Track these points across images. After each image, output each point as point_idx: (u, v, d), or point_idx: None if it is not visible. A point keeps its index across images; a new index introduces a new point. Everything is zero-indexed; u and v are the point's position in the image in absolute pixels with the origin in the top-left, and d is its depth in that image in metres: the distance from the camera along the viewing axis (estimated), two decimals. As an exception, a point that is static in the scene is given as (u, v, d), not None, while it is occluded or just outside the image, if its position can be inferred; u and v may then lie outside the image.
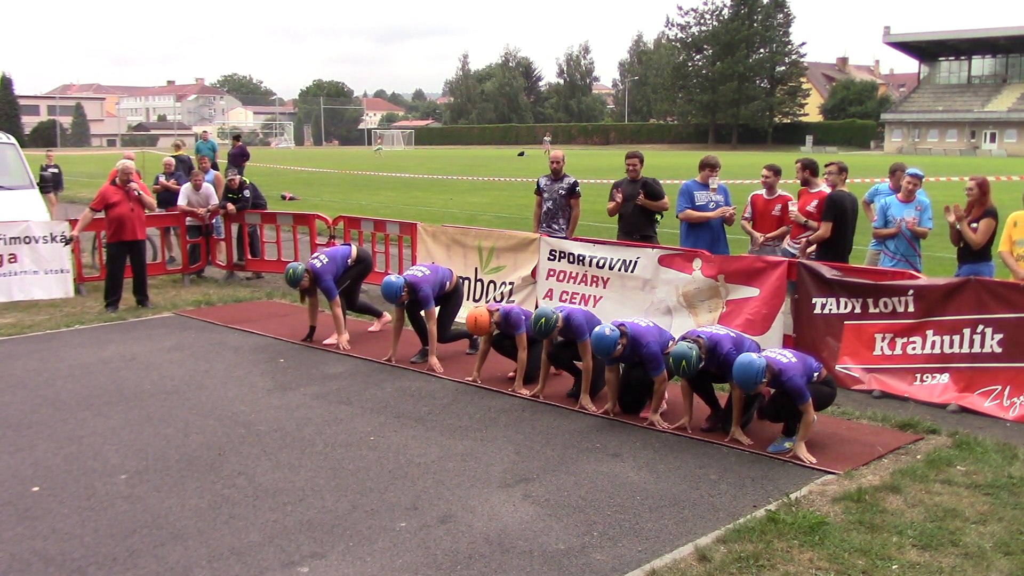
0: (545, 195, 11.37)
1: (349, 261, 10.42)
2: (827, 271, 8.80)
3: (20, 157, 14.93)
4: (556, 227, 11.22)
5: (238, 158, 25.38)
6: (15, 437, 7.17)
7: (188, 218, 14.37)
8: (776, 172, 10.37)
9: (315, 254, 10.48)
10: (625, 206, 10.63)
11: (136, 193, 12.04)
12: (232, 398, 8.20)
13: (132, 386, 8.60)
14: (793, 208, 10.10)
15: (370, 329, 10.91)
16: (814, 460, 6.53)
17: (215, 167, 19.38)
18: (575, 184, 11.28)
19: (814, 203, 9.88)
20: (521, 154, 72.20)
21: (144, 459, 6.68)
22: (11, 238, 12.67)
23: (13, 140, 15.34)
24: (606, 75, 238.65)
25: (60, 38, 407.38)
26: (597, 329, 7.46)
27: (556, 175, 11.28)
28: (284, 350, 10.00)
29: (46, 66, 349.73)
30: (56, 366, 9.33)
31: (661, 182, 10.79)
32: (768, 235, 10.26)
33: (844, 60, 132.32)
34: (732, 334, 7.27)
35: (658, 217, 10.80)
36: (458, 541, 5.33)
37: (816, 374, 6.85)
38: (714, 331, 7.25)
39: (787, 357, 6.75)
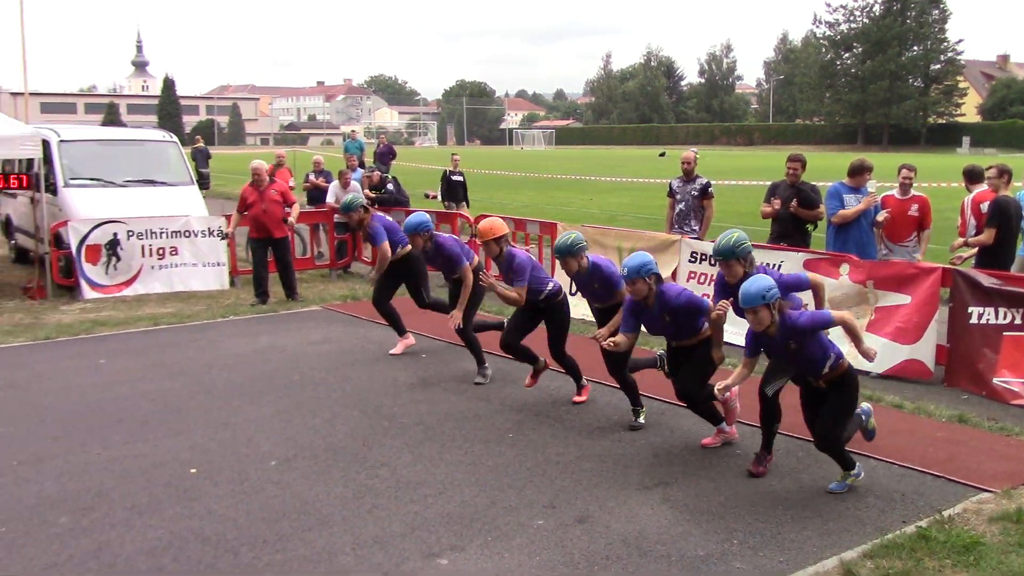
0: (677, 197, 11.27)
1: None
2: (985, 279, 8.40)
3: (181, 155, 15.68)
4: (688, 229, 11.10)
5: (385, 156, 26.09)
6: (175, 421, 7.56)
7: (336, 215, 14.83)
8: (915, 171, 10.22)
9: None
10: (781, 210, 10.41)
11: (272, 193, 12.41)
12: (376, 391, 8.42)
13: (282, 376, 8.95)
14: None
15: (391, 352, 9.93)
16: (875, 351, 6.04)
17: (362, 166, 19.98)
18: (708, 185, 11.14)
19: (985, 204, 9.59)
20: (662, 154, 71.43)
21: (293, 447, 6.94)
22: (172, 232, 13.37)
23: (175, 138, 16.13)
24: (750, 74, 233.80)
25: (222, 41, 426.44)
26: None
27: (688, 176, 11.17)
28: (426, 346, 10.20)
29: (208, 68, 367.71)
30: (212, 355, 9.78)
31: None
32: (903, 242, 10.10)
33: (1005, 58, 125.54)
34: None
35: (810, 227, 10.49)
36: (595, 542, 5.33)
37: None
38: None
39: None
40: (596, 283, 7.48)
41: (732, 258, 6.42)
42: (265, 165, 12.86)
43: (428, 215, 9.13)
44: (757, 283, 5.73)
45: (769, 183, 11.01)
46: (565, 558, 5.14)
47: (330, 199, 15.14)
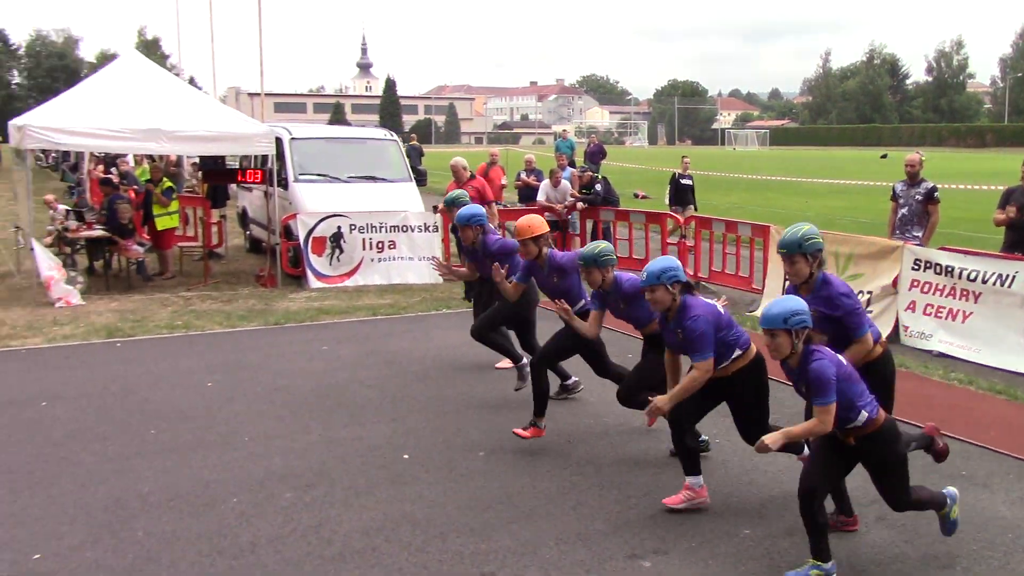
0: (901, 200, 10.78)
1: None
2: None
3: (401, 153, 16.33)
4: (911, 235, 10.59)
5: (595, 155, 26.27)
6: (391, 408, 7.89)
7: (546, 213, 15.02)
8: None
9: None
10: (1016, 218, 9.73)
11: (468, 189, 12.69)
12: (582, 388, 8.45)
13: (490, 369, 9.17)
14: None
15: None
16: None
17: (572, 165, 20.18)
18: (933, 189, 10.58)
19: None
20: (884, 156, 68.04)
21: (500, 439, 7.10)
22: (391, 226, 13.97)
23: (396, 137, 16.80)
24: (983, 71, 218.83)
25: (441, 42, 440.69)
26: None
27: (912, 179, 10.67)
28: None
29: (426, 69, 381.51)
30: (426, 345, 10.14)
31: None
32: None
33: None
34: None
35: None
36: (804, 555, 5.15)
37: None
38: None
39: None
40: (621, 303, 6.60)
41: (798, 252, 5.44)
42: (463, 162, 13.16)
43: (485, 209, 8.34)
44: (783, 304, 4.85)
45: (1003, 188, 10.31)
46: (771, 570, 5.01)
47: (540, 197, 15.37)
